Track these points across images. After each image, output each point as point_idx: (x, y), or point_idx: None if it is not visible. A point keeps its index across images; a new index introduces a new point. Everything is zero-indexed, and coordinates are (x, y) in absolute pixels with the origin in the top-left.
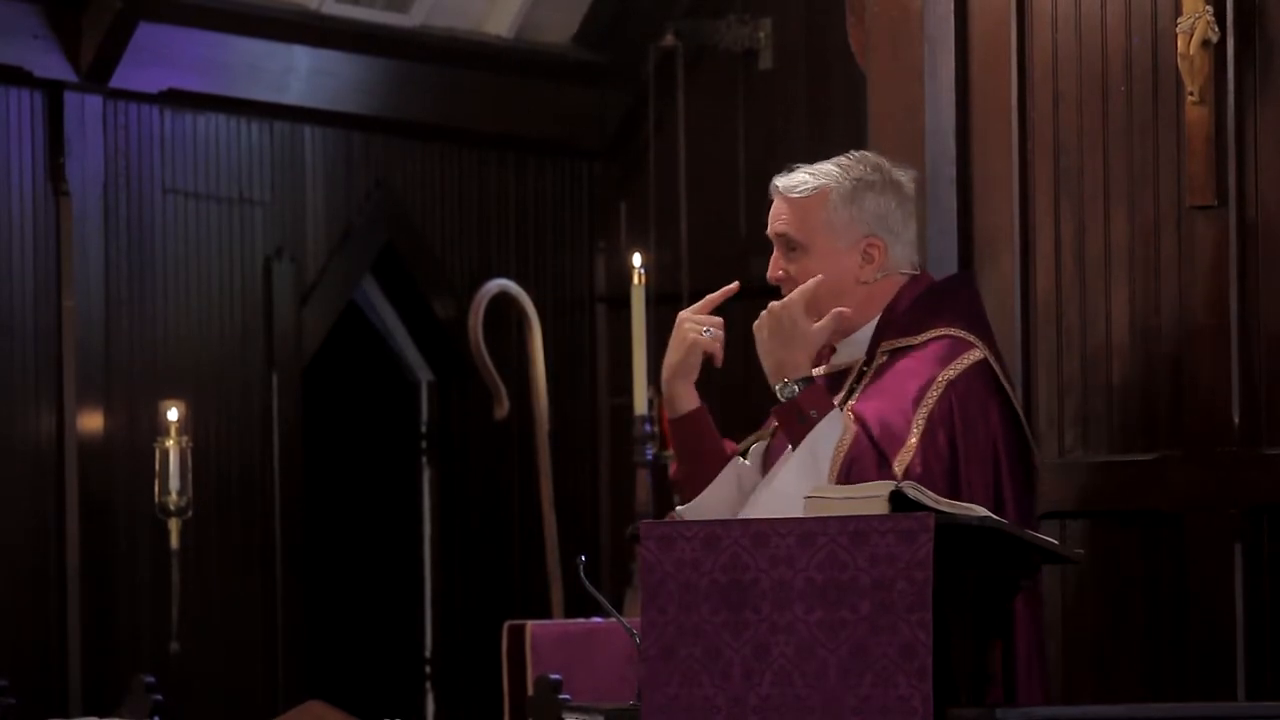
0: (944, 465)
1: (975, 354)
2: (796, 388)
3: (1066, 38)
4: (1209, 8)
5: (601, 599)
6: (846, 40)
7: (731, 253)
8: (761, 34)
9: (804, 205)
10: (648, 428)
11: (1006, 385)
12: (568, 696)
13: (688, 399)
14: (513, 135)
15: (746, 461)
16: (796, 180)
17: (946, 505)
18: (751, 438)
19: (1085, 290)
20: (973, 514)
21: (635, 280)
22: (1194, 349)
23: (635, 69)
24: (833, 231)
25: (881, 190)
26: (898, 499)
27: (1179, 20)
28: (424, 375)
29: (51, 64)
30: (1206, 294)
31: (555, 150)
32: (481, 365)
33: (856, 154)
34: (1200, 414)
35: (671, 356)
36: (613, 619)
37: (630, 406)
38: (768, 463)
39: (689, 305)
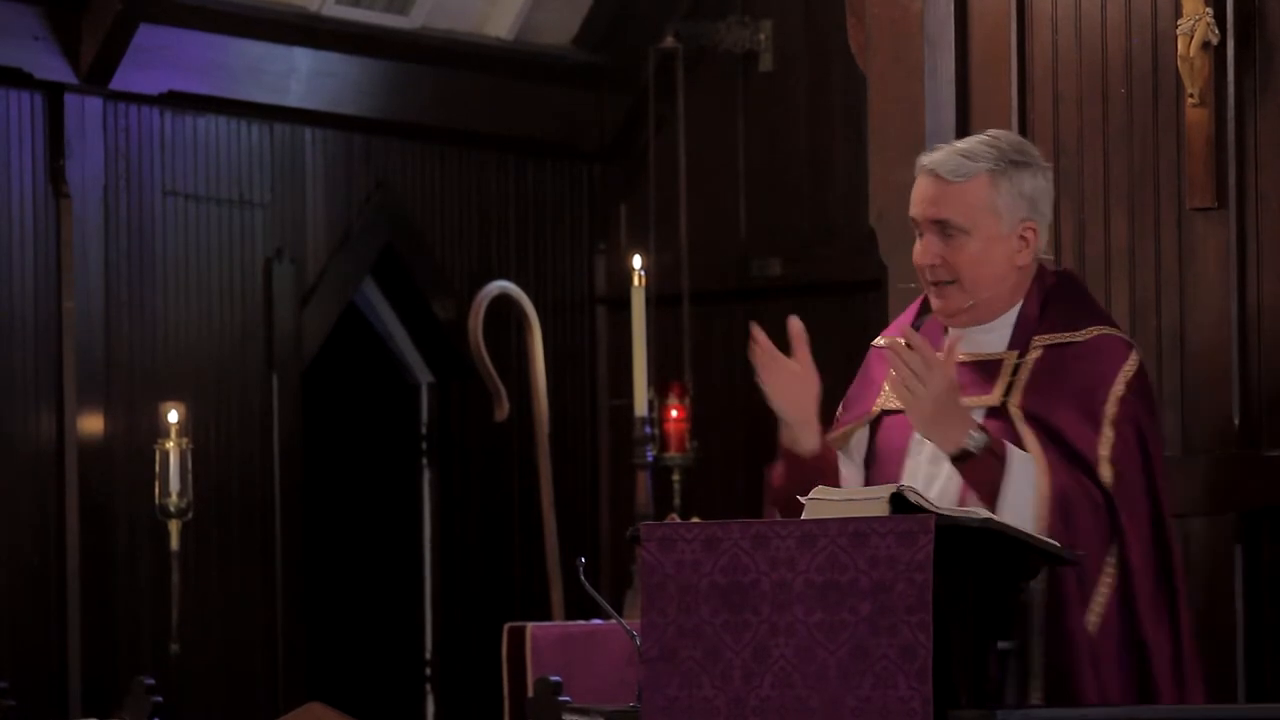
0: (1138, 464)
1: (1137, 355)
2: (984, 438)
3: (1066, 39)
4: (1209, 10)
5: (601, 600)
6: (846, 41)
7: (731, 254)
8: (762, 35)
9: (967, 188)
10: (648, 429)
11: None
12: (568, 698)
13: (806, 441)
14: (513, 137)
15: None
16: (955, 162)
17: (946, 508)
18: (845, 429)
19: None
20: (973, 516)
21: (635, 281)
22: (1193, 351)
23: (635, 71)
24: (996, 215)
25: (1035, 172)
26: (897, 501)
27: (1179, 22)
28: (424, 377)
29: (52, 65)
30: (1206, 296)
31: (555, 152)
32: (481, 367)
33: (997, 132)
34: (1200, 416)
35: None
36: (613, 621)
37: (630, 408)
38: (876, 462)
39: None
